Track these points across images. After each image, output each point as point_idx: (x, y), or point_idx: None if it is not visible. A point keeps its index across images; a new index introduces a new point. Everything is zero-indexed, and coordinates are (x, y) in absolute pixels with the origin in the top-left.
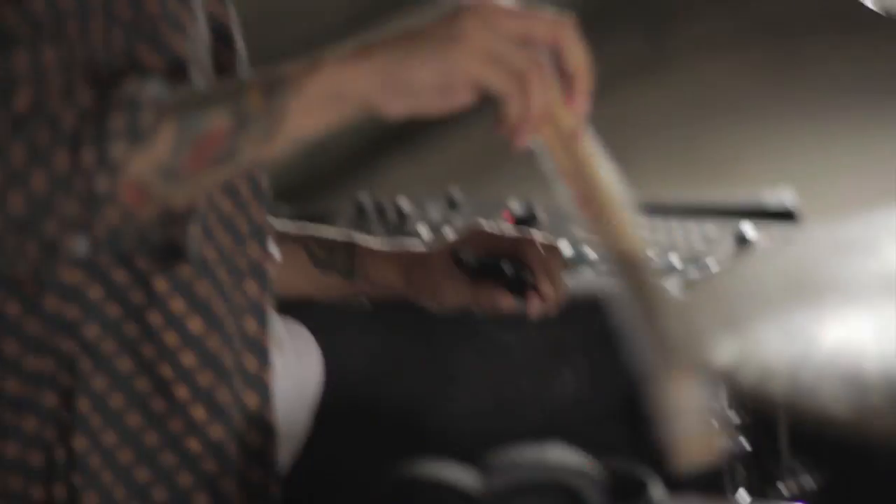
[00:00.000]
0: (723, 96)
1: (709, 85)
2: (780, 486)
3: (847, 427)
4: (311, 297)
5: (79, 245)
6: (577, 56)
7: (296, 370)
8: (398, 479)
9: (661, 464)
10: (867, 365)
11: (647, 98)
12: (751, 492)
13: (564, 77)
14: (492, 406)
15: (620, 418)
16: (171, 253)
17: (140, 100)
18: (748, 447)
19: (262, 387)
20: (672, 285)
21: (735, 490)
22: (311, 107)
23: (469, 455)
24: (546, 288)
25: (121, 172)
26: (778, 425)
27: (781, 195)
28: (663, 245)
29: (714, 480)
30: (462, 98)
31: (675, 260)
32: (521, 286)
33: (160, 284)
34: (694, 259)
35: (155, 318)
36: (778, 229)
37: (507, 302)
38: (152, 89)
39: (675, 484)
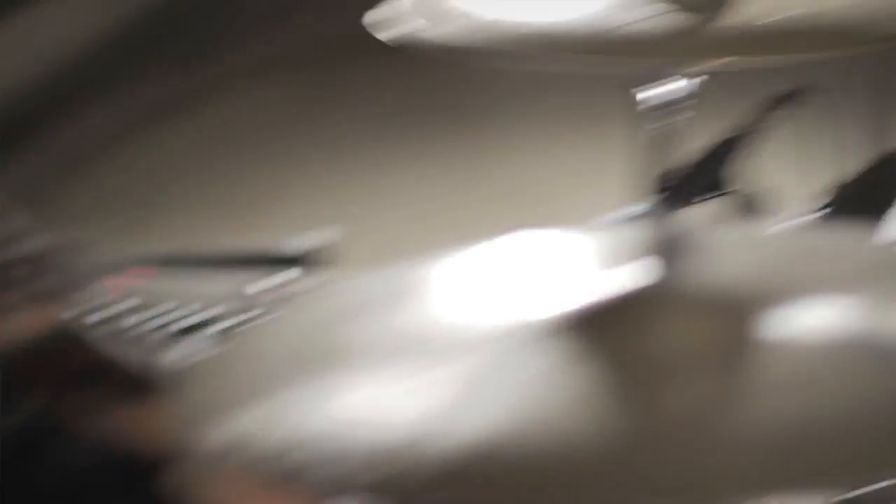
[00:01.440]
0: (261, 134)
1: (246, 121)
2: None
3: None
4: None
5: None
6: None
7: None
8: None
9: None
10: (392, 432)
11: (180, 139)
12: None
13: None
14: None
15: None
16: None
17: None
18: None
19: None
20: (194, 347)
21: None
22: None
23: None
24: None
25: None
26: None
27: (310, 241)
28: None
29: None
30: None
31: (194, 317)
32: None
33: None
34: (212, 317)
35: None
36: (306, 279)
37: None
38: None
39: None
